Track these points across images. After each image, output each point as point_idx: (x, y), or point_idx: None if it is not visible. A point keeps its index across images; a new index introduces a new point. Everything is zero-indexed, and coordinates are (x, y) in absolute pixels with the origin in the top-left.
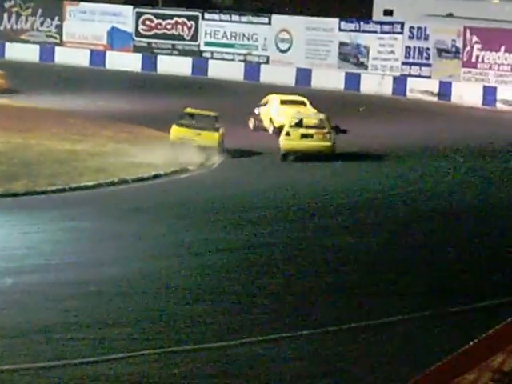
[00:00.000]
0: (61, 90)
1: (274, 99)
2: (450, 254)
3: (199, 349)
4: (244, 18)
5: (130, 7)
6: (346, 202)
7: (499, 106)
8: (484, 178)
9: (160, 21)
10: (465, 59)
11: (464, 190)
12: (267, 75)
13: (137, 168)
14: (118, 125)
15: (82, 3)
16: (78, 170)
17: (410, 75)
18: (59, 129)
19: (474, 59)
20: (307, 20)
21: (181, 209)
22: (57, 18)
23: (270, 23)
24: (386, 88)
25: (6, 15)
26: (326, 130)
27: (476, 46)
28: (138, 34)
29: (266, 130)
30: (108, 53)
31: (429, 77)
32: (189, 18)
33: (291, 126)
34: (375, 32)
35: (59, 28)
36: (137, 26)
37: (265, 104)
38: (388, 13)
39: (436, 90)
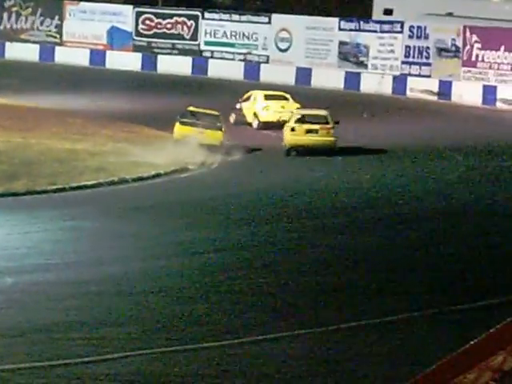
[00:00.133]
0: (61, 89)
1: (257, 95)
2: (450, 253)
3: (199, 348)
4: (244, 18)
5: (130, 7)
6: (346, 200)
7: (499, 105)
8: (484, 177)
9: (160, 20)
10: (465, 58)
11: (464, 189)
12: (267, 74)
13: (137, 167)
14: (117, 124)
15: (81, 3)
16: (78, 169)
17: (409, 74)
18: (59, 128)
19: (473, 58)
20: (307, 19)
21: (181, 208)
22: (57, 17)
23: (269, 22)
24: (386, 87)
25: (5, 15)
26: (329, 126)
27: (476, 45)
28: (137, 33)
29: (248, 124)
30: (108, 52)
31: (429, 76)
32: (189, 17)
33: (296, 122)
34: (375, 31)
35: (59, 27)
36: (137, 25)
37: (247, 99)
38: (388, 12)
39: (436, 89)
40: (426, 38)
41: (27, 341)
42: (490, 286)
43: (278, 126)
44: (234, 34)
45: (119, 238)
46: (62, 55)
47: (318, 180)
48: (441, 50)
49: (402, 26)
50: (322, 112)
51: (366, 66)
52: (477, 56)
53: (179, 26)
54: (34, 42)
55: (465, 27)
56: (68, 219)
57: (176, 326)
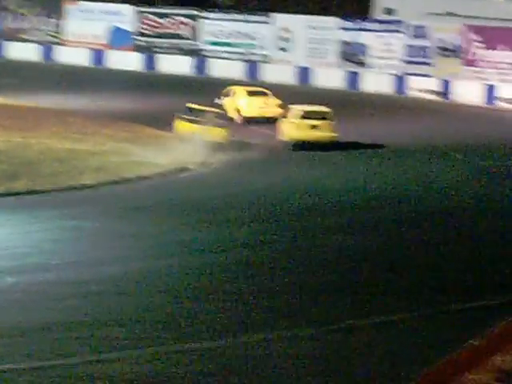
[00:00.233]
0: (61, 89)
1: (239, 90)
2: (450, 252)
3: (199, 347)
4: (244, 17)
5: (131, 6)
6: (346, 200)
7: (500, 104)
8: (484, 176)
9: (160, 20)
10: (465, 58)
11: (464, 188)
12: (268, 74)
13: (137, 167)
14: (118, 124)
15: (81, 2)
16: (78, 169)
17: (410, 74)
18: (59, 128)
19: (474, 58)
20: (307, 19)
21: (181, 208)
22: (57, 17)
23: (270, 22)
24: (387, 86)
25: (6, 14)
26: (332, 121)
27: (477, 45)
28: (138, 33)
29: (230, 119)
30: (108, 52)
31: (429, 75)
32: (189, 17)
33: (299, 118)
34: (376, 31)
35: (59, 27)
36: (137, 25)
37: (227, 95)
38: (388, 11)
39: (437, 88)
40: (427, 37)
41: (27, 340)
42: (491, 285)
43: (261, 121)
44: (234, 33)
45: (119, 237)
46: (62, 55)
47: (319, 179)
48: (441, 50)
49: (402, 26)
50: (324, 108)
51: (366, 66)
52: (477, 55)
53: (180, 25)
54: (34, 42)
55: (466, 26)
56: (68, 219)
57: (176, 326)
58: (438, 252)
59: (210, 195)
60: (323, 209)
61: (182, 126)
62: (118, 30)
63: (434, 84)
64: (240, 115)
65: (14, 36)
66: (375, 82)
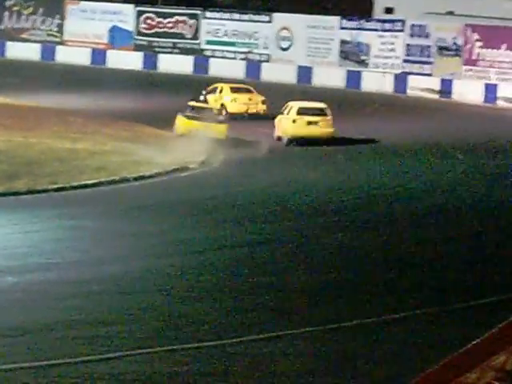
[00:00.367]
0: (62, 88)
1: (223, 87)
2: (451, 251)
3: (200, 347)
4: (245, 17)
5: (131, 6)
6: (346, 199)
7: (500, 103)
8: (484, 176)
9: (161, 19)
10: (466, 57)
11: (464, 188)
12: (268, 73)
13: (138, 166)
14: (118, 123)
15: (82, 2)
16: (78, 168)
17: (411, 73)
18: (60, 127)
19: (474, 57)
20: (308, 18)
21: (182, 207)
22: (58, 16)
23: (270, 21)
24: (387, 86)
25: (6, 14)
26: (329, 118)
27: (477, 44)
28: (138, 32)
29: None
30: (109, 51)
31: (430, 74)
32: (190, 16)
33: (296, 114)
34: (376, 30)
35: (60, 27)
36: (138, 24)
37: (211, 91)
38: (389, 11)
39: (437, 87)
40: (427, 36)
41: (28, 340)
42: (491, 284)
43: (245, 117)
44: (235, 33)
45: (120, 237)
46: (63, 54)
47: (319, 178)
48: (442, 49)
49: (403, 25)
50: (321, 105)
51: (367, 65)
52: (478, 54)
53: (180, 25)
54: (35, 42)
55: (466, 26)
56: (69, 218)
57: (177, 325)
58: (439, 251)
59: (211, 195)
60: (323, 208)
61: (183, 123)
62: (118, 29)
63: (434, 83)
64: (225, 111)
65: (15, 36)
66: (376, 81)
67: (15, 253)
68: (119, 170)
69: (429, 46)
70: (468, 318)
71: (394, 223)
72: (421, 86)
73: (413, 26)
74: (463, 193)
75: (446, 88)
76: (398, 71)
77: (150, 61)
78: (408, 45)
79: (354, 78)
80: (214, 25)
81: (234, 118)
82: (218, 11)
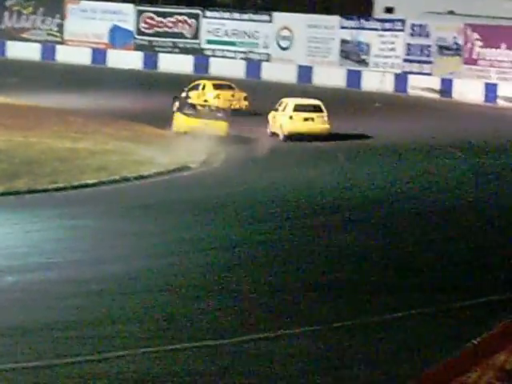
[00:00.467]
0: (62, 88)
1: (206, 84)
2: (451, 250)
3: (201, 346)
4: (245, 16)
5: (131, 5)
6: (346, 198)
7: (500, 102)
8: (485, 175)
9: (161, 19)
10: (466, 56)
11: (465, 187)
12: (268, 73)
13: (138, 166)
14: (119, 123)
15: (82, 1)
16: (79, 168)
17: (411, 72)
18: (60, 127)
19: (475, 56)
20: (308, 17)
21: (182, 206)
22: (58, 16)
23: (271, 21)
24: (388, 85)
25: (7, 14)
26: (324, 114)
27: (477, 43)
28: (139, 32)
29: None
30: (109, 51)
31: (430, 74)
32: (190, 15)
33: (294, 111)
34: (376, 29)
35: (60, 26)
36: (138, 24)
37: (193, 88)
38: (389, 10)
39: (437, 87)
40: (428, 36)
41: (28, 340)
42: (491, 284)
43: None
44: (235, 32)
45: (121, 236)
46: (64, 54)
47: (319, 178)
48: (442, 48)
49: (403, 24)
50: (316, 102)
51: (367, 64)
52: (478, 54)
53: (180, 24)
54: (36, 41)
55: (466, 25)
56: (69, 218)
57: (178, 325)
58: (439, 250)
59: (211, 194)
60: (323, 207)
61: (184, 121)
62: (118, 29)
63: (434, 82)
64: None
65: (16, 35)
66: (376, 80)
67: (15, 252)
68: (120, 170)
69: (429, 46)
70: (468, 318)
71: (393, 223)
72: (421, 85)
73: (413, 25)
74: (463, 192)
75: (446, 87)
76: (399, 71)
77: (151, 60)
78: (408, 44)
79: (354, 78)
80: (214, 24)
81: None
82: (218, 11)
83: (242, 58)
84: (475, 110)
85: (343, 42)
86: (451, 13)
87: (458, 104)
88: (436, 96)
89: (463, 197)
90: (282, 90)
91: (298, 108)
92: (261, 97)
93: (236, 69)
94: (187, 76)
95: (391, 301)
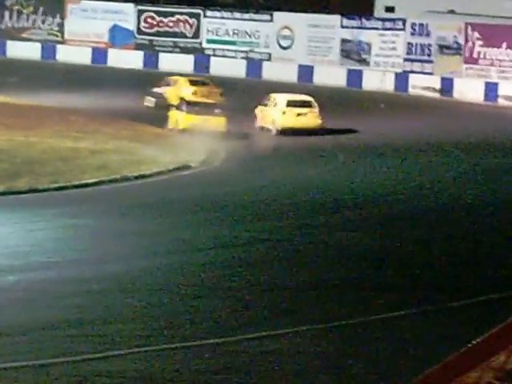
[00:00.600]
0: (63, 87)
1: (181, 80)
2: (451, 249)
3: (201, 345)
4: (246, 15)
5: (132, 5)
6: (346, 197)
7: (501, 101)
8: (485, 174)
9: (162, 18)
10: (466, 55)
11: (465, 186)
12: (269, 72)
13: (139, 165)
14: (119, 122)
15: (83, 1)
16: (80, 167)
17: (411, 71)
18: (61, 126)
19: (475, 55)
20: (309, 17)
21: (183, 205)
22: (58, 15)
23: (271, 20)
24: (388, 84)
25: (7, 13)
26: (317, 110)
27: (478, 43)
28: (139, 31)
29: (173, 106)
30: (110, 50)
31: (431, 73)
32: (190, 15)
33: (287, 106)
34: (377, 29)
35: (61, 26)
36: (138, 23)
37: (166, 84)
38: (389, 9)
39: (438, 86)
40: (428, 35)
41: (29, 339)
42: (491, 283)
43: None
44: (235, 31)
45: (121, 235)
46: (64, 53)
47: (319, 177)
48: (442, 47)
49: (403, 24)
50: (308, 97)
51: (368, 64)
52: (478, 53)
53: (181, 24)
54: (36, 41)
55: (466, 24)
56: (70, 217)
57: (178, 323)
58: (439, 249)
59: (211, 193)
60: (323, 206)
61: (187, 119)
62: (119, 28)
63: (435, 82)
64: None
65: (16, 35)
66: (377, 79)
67: (16, 252)
68: (120, 169)
69: (429, 45)
70: (468, 317)
71: (393, 222)
72: (422, 84)
73: (413, 24)
74: (463, 191)
75: (446, 86)
76: (399, 70)
77: (151, 60)
78: (409, 43)
79: (354, 77)
80: (215, 24)
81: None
82: (218, 10)
83: (242, 58)
84: (476, 109)
85: (344, 41)
86: (452, 12)
87: (458, 103)
88: (436, 95)
89: (463, 196)
90: (283, 90)
91: (290, 103)
92: (261, 96)
93: (237, 68)
94: (187, 75)
95: (391, 300)
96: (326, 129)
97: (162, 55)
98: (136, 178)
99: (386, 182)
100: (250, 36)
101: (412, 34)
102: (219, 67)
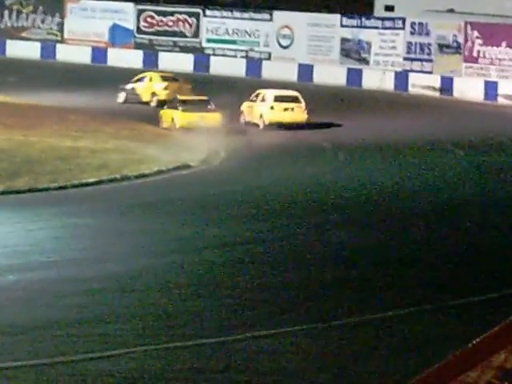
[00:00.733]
0: (62, 87)
1: (153, 76)
2: (451, 248)
3: (201, 344)
4: (246, 15)
5: (131, 4)
6: (346, 196)
7: (501, 100)
8: (485, 173)
9: (161, 17)
10: (466, 54)
11: (465, 185)
12: (269, 71)
13: (138, 164)
14: (119, 121)
15: (82, 0)
16: (79, 166)
17: (411, 70)
18: (61, 126)
19: (475, 54)
20: (309, 16)
21: (183, 205)
22: (58, 15)
23: (271, 19)
24: (388, 83)
25: (6, 13)
26: (302, 105)
27: (477, 41)
28: (139, 30)
29: (145, 103)
30: (109, 50)
31: (430, 72)
32: (190, 14)
33: (274, 101)
34: (377, 28)
35: (60, 25)
36: (138, 22)
37: (139, 80)
38: (389, 8)
39: (438, 85)
40: (428, 34)
41: (29, 338)
42: (492, 281)
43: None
44: (235, 31)
45: (121, 235)
46: (64, 53)
47: (320, 176)
48: (442, 46)
49: (403, 23)
50: (295, 93)
51: (367, 63)
52: (478, 52)
53: (181, 23)
54: (36, 40)
55: (466, 23)
56: (69, 217)
57: (178, 323)
58: (439, 248)
59: (211, 192)
60: (324, 205)
61: (184, 117)
62: (118, 27)
63: (434, 81)
64: (156, 98)
65: (16, 34)
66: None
67: (16, 251)
68: (120, 168)
69: (429, 44)
70: (468, 316)
71: (393, 221)
72: (421, 83)
73: (413, 23)
74: (464, 190)
75: (446, 85)
76: (399, 69)
77: (151, 59)
78: (408, 42)
79: (354, 76)
80: (215, 23)
81: (163, 104)
82: (218, 9)
83: (242, 57)
84: (475, 108)
85: (344, 40)
86: (451, 11)
87: (458, 102)
88: (436, 94)
89: (463, 194)
90: (283, 89)
91: (278, 99)
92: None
93: (236, 67)
94: (187, 75)
95: (391, 299)
96: (311, 123)
97: (161, 54)
98: (136, 177)
99: (385, 181)
100: (249, 35)
101: (412, 33)
102: (219, 66)
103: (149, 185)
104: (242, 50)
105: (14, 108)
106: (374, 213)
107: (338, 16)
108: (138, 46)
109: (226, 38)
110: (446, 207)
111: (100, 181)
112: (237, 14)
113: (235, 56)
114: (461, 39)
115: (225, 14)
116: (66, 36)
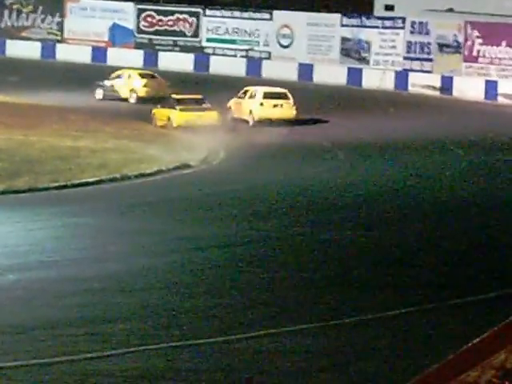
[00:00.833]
0: (62, 86)
1: (132, 73)
2: (451, 247)
3: (202, 343)
4: (245, 14)
5: (131, 4)
6: (347, 196)
7: (501, 99)
8: (485, 172)
9: (161, 17)
10: (466, 54)
11: (465, 184)
12: (269, 71)
13: (138, 164)
14: (119, 121)
15: (83, 0)
16: (79, 166)
17: (411, 70)
18: (61, 125)
19: (475, 53)
20: (309, 15)
21: (183, 204)
22: (58, 14)
23: (271, 19)
24: (388, 83)
25: (6, 12)
26: (290, 101)
27: (477, 41)
28: (139, 30)
29: (124, 99)
30: (109, 49)
31: (430, 71)
32: (190, 14)
33: (264, 98)
34: (377, 27)
35: (60, 25)
36: (138, 22)
37: (117, 77)
38: (389, 8)
39: (438, 84)
40: (428, 33)
41: (30, 337)
42: (492, 280)
43: (154, 100)
44: (235, 30)
45: (121, 234)
46: (64, 52)
47: (320, 176)
48: (442, 46)
49: (403, 22)
50: (283, 90)
51: (368, 62)
52: (478, 51)
53: (181, 22)
54: (36, 40)
55: (466, 23)
56: (70, 216)
57: (179, 322)
58: (439, 247)
59: (211, 192)
60: (324, 205)
61: (182, 116)
62: (118, 27)
63: (434, 80)
64: (136, 95)
65: (16, 34)
66: (377, 78)
67: (16, 251)
68: (120, 168)
69: (429, 43)
70: (468, 315)
71: (393, 219)
72: (421, 82)
73: (413, 23)
74: (464, 189)
75: (446, 85)
76: (399, 68)
77: (151, 59)
78: (408, 42)
79: (354, 75)
80: (215, 22)
81: (143, 102)
82: (218, 9)
83: (242, 56)
84: (475, 108)
85: (344, 39)
86: (451, 10)
87: (458, 101)
88: (436, 93)
89: (464, 194)
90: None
91: (267, 95)
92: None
93: (236, 67)
94: (187, 74)
95: (391, 298)
96: (299, 119)
97: (161, 54)
98: (136, 176)
99: (385, 180)
100: (249, 35)
101: (412, 32)
102: (219, 66)
103: (149, 184)
104: (242, 50)
105: (14, 108)
106: (372, 212)
107: (338, 15)
108: (138, 46)
109: (226, 37)
110: (445, 206)
111: (100, 180)
112: (237, 13)
113: (235, 55)
114: (461, 38)
115: (225, 13)
116: (66, 36)
